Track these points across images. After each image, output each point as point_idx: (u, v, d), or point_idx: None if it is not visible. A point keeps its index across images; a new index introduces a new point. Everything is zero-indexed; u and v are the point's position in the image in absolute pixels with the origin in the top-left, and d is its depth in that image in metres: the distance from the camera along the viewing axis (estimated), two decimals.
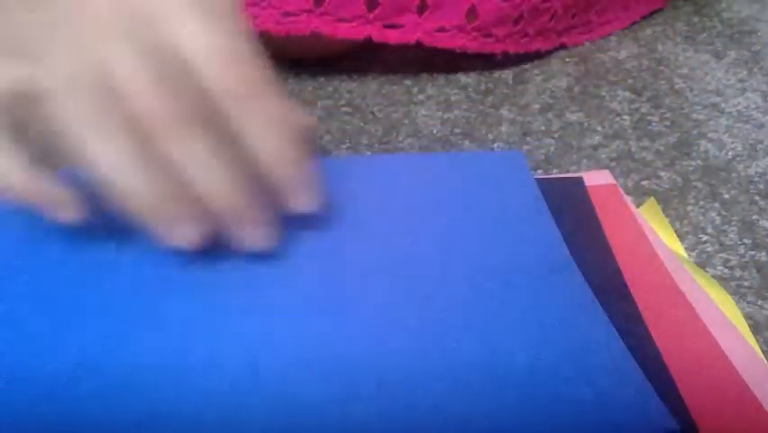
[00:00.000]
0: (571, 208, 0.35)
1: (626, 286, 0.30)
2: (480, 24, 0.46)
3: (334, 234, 0.32)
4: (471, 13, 0.46)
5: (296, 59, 0.50)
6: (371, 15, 0.44)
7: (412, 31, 0.45)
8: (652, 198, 0.36)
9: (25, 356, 0.28)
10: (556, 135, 0.43)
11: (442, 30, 0.46)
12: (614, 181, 0.37)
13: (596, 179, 0.37)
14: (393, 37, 0.45)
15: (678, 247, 0.34)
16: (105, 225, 0.32)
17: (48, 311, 0.29)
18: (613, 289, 0.30)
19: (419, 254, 0.31)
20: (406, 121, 0.44)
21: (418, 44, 0.46)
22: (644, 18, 0.56)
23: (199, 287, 0.31)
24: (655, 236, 0.33)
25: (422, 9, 0.45)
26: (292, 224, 0.32)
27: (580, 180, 0.36)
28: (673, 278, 0.31)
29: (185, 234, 0.28)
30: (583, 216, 0.34)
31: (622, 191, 0.36)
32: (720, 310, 0.29)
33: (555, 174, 0.39)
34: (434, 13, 0.45)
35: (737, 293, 0.32)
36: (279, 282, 0.31)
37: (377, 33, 0.45)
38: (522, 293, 0.29)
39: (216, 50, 0.25)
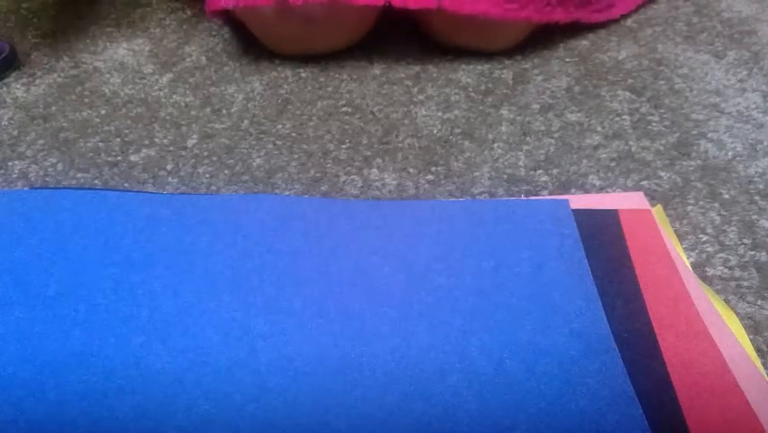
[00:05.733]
0: (603, 245, 0.33)
1: (655, 342, 0.28)
2: None
3: (370, 265, 0.32)
4: None
5: (296, 57, 0.50)
6: None
7: None
8: (659, 205, 0.36)
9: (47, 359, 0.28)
10: (556, 135, 0.43)
11: None
12: (647, 206, 0.36)
13: (629, 201, 0.36)
14: (413, 2, 0.44)
15: (680, 250, 0.34)
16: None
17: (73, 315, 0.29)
18: (642, 343, 0.28)
19: (439, 317, 0.29)
20: (406, 121, 0.44)
21: (439, 10, 0.44)
22: (643, 18, 0.56)
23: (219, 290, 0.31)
24: (684, 267, 0.32)
25: None
26: (333, 252, 0.32)
27: (614, 214, 0.35)
28: (704, 321, 0.29)
29: None
30: (615, 253, 0.33)
31: (655, 216, 0.35)
32: (751, 360, 0.28)
33: (574, 194, 0.39)
34: None
35: (737, 293, 0.32)
36: (310, 296, 0.31)
37: None
38: (546, 382, 0.27)
39: None
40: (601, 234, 0.34)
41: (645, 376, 0.27)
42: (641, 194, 0.37)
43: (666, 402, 0.26)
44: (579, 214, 0.35)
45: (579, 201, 0.36)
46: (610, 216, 0.35)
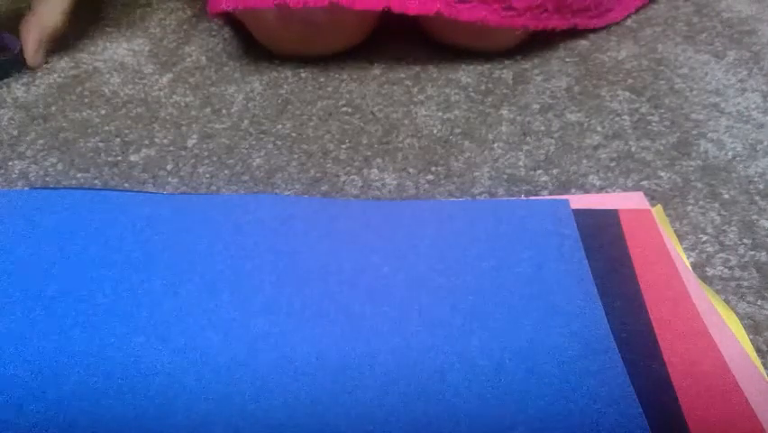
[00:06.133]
0: (603, 245, 0.33)
1: (655, 342, 0.28)
2: None
3: (370, 265, 0.32)
4: None
5: (296, 57, 0.50)
6: None
7: (432, 2, 0.44)
8: (659, 205, 0.36)
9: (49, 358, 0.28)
10: (556, 135, 0.43)
11: (462, 1, 0.45)
12: (647, 206, 0.36)
13: (629, 201, 0.36)
14: (412, 8, 0.44)
15: (680, 250, 0.34)
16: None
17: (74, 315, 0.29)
18: (642, 343, 0.28)
19: (439, 317, 0.29)
20: (406, 121, 0.44)
21: (438, 15, 0.45)
22: (643, 18, 0.56)
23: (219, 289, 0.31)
24: (684, 267, 0.32)
25: None
26: (333, 252, 0.32)
27: (614, 214, 0.35)
28: (704, 321, 0.29)
29: None
30: (615, 253, 0.33)
31: (655, 216, 0.35)
32: (751, 360, 0.28)
33: (578, 194, 0.39)
34: None
35: (737, 293, 0.32)
36: (310, 295, 0.31)
37: (396, 4, 0.44)
38: (546, 382, 0.27)
39: None
40: (601, 235, 0.34)
41: (645, 376, 0.27)
42: (641, 194, 0.37)
43: (666, 402, 0.26)
44: (579, 214, 0.35)
45: (579, 201, 0.36)
46: (610, 216, 0.35)
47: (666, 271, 0.32)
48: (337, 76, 0.49)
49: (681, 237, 0.35)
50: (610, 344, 0.28)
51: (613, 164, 0.40)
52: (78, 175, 0.40)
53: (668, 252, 0.33)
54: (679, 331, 0.29)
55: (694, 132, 0.43)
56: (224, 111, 0.45)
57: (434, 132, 0.43)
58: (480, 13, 0.45)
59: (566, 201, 0.35)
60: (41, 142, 0.42)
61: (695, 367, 0.27)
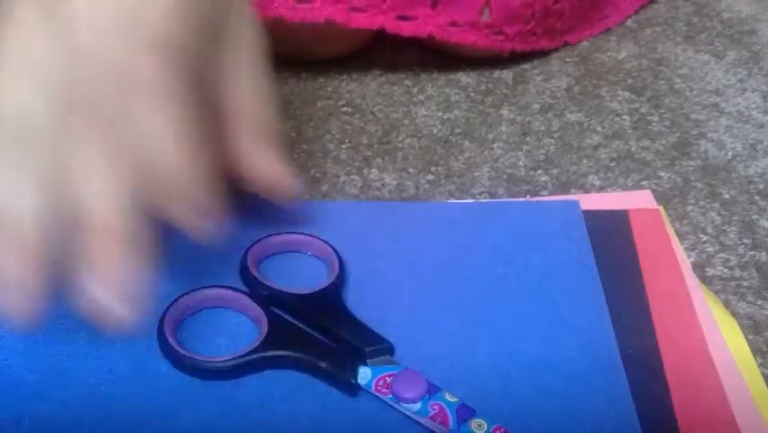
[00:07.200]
0: (612, 249, 0.33)
1: (660, 362, 0.28)
2: (493, 22, 0.46)
3: (378, 270, 0.32)
4: (485, 9, 0.46)
5: (296, 58, 0.50)
6: (385, 6, 0.44)
7: (424, 24, 0.45)
8: (660, 206, 0.36)
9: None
10: (556, 135, 0.43)
11: (454, 24, 0.46)
12: (656, 205, 0.36)
13: (636, 201, 0.36)
14: (406, 29, 0.45)
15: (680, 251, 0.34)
16: None
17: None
18: (646, 362, 0.28)
19: (445, 325, 0.29)
20: (406, 121, 0.44)
21: (430, 38, 0.45)
22: (643, 18, 0.56)
23: None
24: (689, 273, 0.32)
25: (435, 2, 0.45)
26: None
27: (623, 215, 0.34)
28: (705, 338, 0.29)
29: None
30: (624, 257, 0.32)
31: (664, 216, 0.35)
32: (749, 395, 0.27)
33: (585, 194, 0.38)
34: (447, 8, 0.45)
35: (737, 293, 0.32)
36: None
37: (390, 24, 0.44)
38: (551, 398, 0.26)
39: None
40: (610, 238, 0.33)
41: (647, 397, 0.27)
42: (648, 192, 0.37)
43: (667, 429, 0.26)
44: (588, 215, 0.34)
45: (587, 200, 0.36)
46: (619, 218, 0.34)
47: (674, 285, 0.31)
48: (337, 76, 0.49)
49: (681, 237, 0.35)
50: (617, 361, 0.27)
51: (613, 164, 0.40)
52: None
53: (676, 260, 0.32)
54: (682, 350, 0.28)
55: (694, 132, 0.43)
56: None
57: (434, 132, 0.43)
58: (471, 37, 0.46)
59: (576, 202, 0.35)
60: None
61: (697, 393, 0.27)
